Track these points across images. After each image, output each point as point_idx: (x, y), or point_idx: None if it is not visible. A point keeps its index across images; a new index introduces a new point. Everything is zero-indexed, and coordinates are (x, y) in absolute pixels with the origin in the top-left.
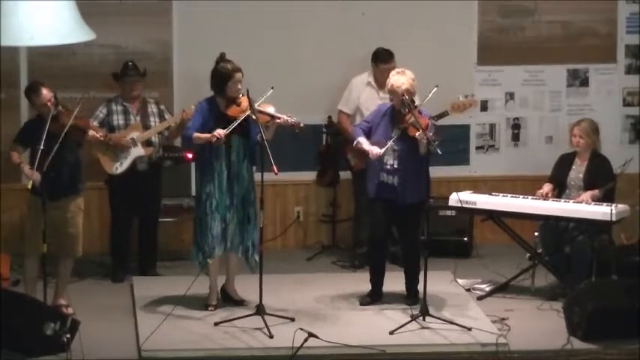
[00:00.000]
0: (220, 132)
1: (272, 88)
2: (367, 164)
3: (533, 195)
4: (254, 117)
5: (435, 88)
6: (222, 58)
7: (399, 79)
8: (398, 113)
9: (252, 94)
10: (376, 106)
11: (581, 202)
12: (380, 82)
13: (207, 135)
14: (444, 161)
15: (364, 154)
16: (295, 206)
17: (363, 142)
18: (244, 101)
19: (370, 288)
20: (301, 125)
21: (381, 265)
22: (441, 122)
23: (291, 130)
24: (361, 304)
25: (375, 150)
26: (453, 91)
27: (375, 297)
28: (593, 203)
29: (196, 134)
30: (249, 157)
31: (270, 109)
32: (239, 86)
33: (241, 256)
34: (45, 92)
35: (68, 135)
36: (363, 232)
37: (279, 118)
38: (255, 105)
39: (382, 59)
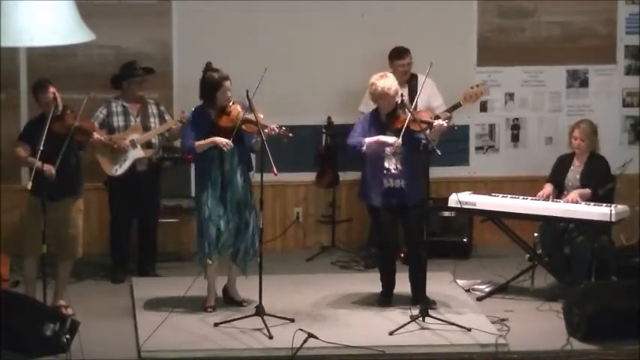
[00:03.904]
0: (228, 142)
1: (247, 90)
2: (368, 172)
3: (533, 196)
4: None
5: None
6: (208, 67)
7: (386, 82)
8: (388, 117)
9: (237, 99)
10: (357, 121)
11: (569, 202)
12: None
13: (209, 140)
14: (444, 162)
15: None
16: (295, 207)
17: (373, 139)
18: (234, 110)
19: (383, 289)
20: (290, 135)
21: (394, 268)
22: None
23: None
24: (380, 305)
25: (398, 140)
26: (453, 92)
27: (390, 298)
28: (584, 203)
29: (198, 142)
30: (243, 163)
31: (260, 116)
32: (229, 94)
33: (235, 260)
34: (52, 90)
35: (72, 136)
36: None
37: (266, 128)
38: (246, 114)
39: (397, 56)
